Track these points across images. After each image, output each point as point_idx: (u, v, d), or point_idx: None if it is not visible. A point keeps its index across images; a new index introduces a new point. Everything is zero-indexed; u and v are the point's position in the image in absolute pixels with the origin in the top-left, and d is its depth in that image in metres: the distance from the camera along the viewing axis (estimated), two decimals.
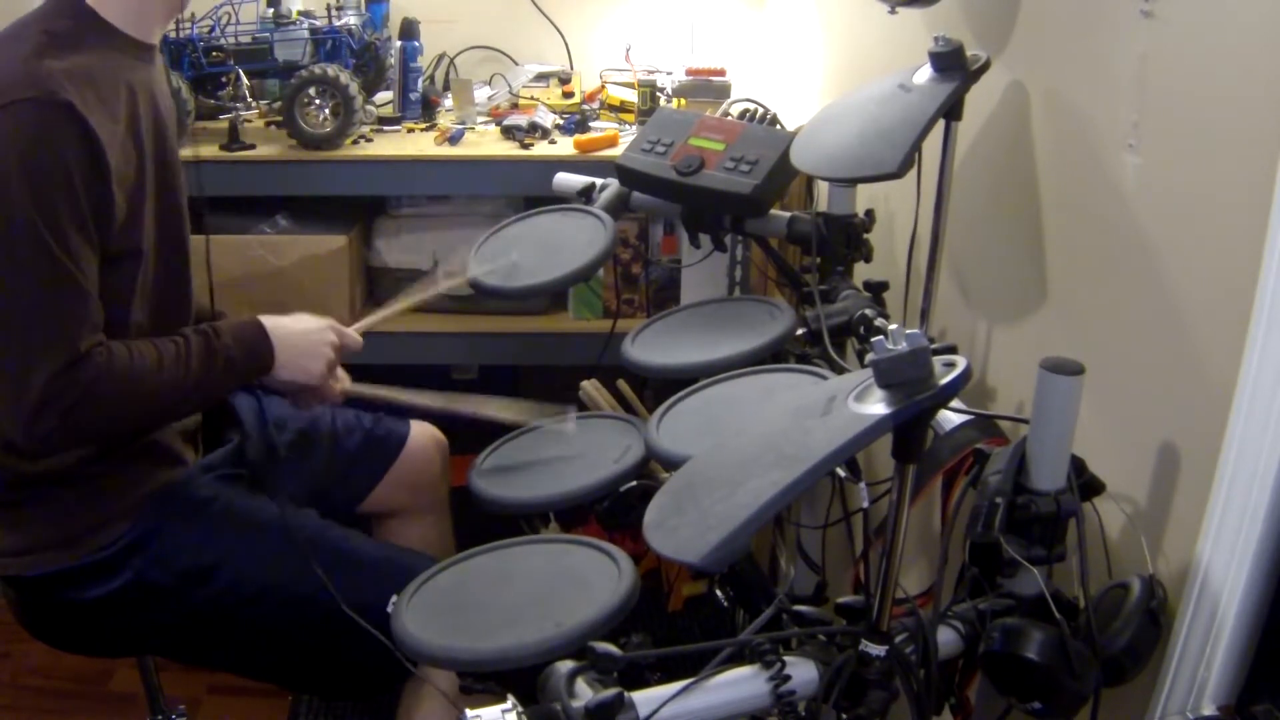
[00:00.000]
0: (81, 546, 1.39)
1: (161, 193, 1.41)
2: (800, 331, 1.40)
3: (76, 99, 1.22)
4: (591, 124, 2.24)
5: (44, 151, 1.21)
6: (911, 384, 0.81)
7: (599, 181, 1.70)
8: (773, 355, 1.35)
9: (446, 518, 1.81)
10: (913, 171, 1.23)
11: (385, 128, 2.23)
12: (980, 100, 1.28)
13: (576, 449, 1.41)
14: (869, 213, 1.55)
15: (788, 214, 1.56)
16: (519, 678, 0.93)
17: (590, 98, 2.36)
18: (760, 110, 1.72)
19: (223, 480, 1.50)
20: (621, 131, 2.18)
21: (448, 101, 2.36)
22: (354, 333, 1.54)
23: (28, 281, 1.22)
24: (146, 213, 1.36)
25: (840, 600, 0.99)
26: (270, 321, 1.43)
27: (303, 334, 1.45)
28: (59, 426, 1.24)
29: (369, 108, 2.19)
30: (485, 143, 2.16)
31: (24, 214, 1.20)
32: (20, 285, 1.23)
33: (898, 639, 0.94)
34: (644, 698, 0.87)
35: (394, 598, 1.40)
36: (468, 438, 1.61)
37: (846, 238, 1.51)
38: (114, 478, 1.41)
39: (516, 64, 2.49)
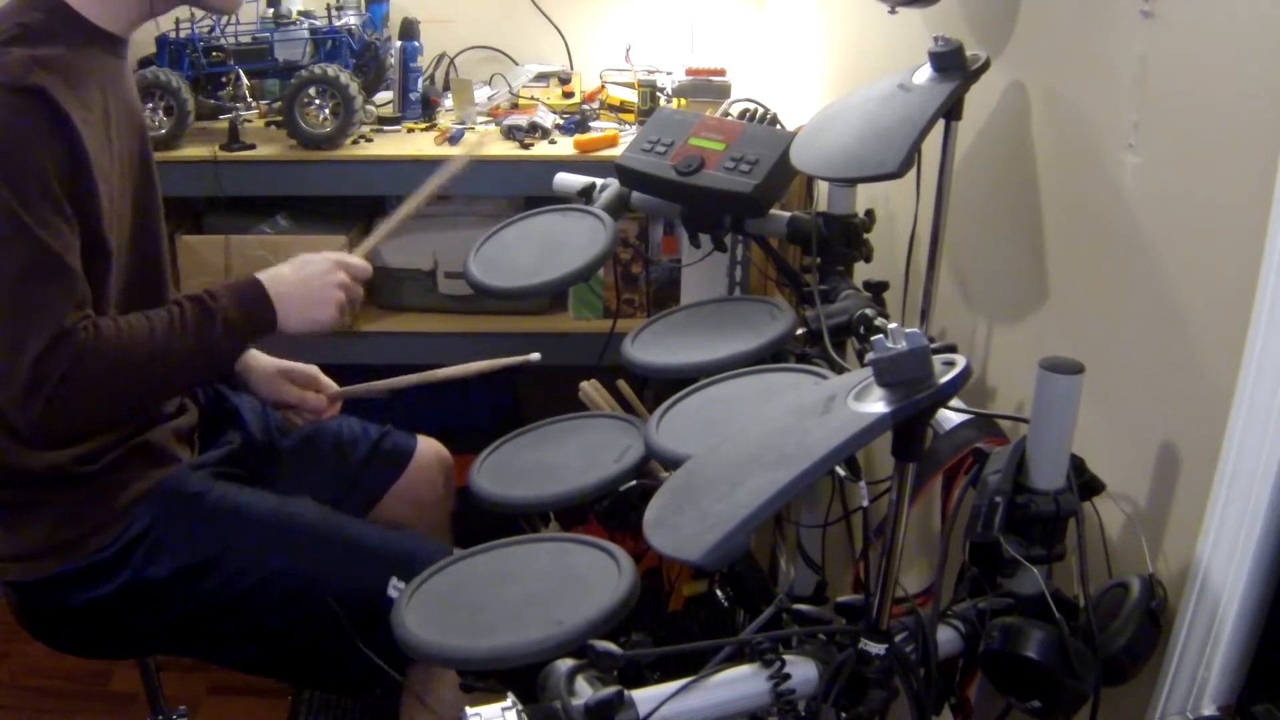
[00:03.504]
0: (79, 551, 1.39)
1: (136, 190, 1.40)
2: (800, 331, 1.40)
3: (47, 84, 1.22)
4: (591, 124, 2.24)
5: (14, 135, 1.21)
6: (911, 383, 0.81)
7: (599, 181, 1.70)
8: (773, 355, 1.35)
9: (448, 537, 1.79)
10: (912, 171, 1.23)
11: (385, 128, 2.23)
12: (980, 100, 1.28)
13: (576, 449, 1.41)
14: (869, 213, 1.55)
15: (788, 214, 1.56)
16: (519, 676, 0.93)
17: (590, 98, 2.36)
18: (760, 110, 1.72)
19: (217, 475, 1.50)
20: (621, 131, 2.18)
21: (448, 101, 2.36)
22: (361, 260, 1.49)
23: (9, 262, 1.22)
24: (119, 210, 1.36)
25: (840, 599, 0.99)
26: (269, 276, 1.40)
27: (304, 282, 1.41)
28: (51, 404, 1.23)
29: (369, 108, 2.19)
30: (485, 143, 2.15)
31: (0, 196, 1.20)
32: (2, 266, 1.22)
33: (897, 638, 0.94)
34: (644, 696, 0.87)
35: (393, 580, 1.40)
36: (468, 438, 1.61)
37: (846, 238, 1.51)
38: (109, 480, 1.40)
39: (516, 64, 2.49)
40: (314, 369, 1.63)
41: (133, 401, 1.36)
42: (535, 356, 1.46)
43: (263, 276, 1.39)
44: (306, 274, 1.42)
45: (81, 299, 1.27)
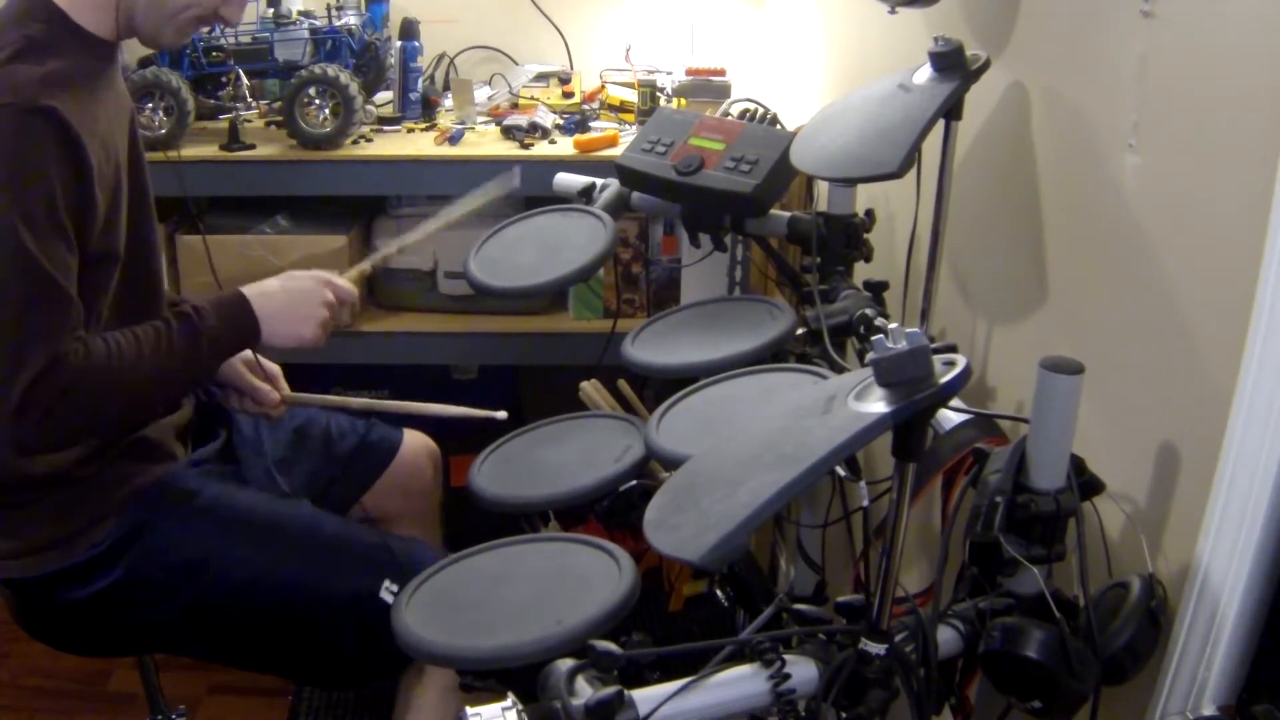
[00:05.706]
0: (75, 545, 1.39)
1: (134, 191, 1.41)
2: (800, 331, 1.40)
3: (57, 103, 1.22)
4: (591, 124, 2.24)
5: (25, 157, 1.21)
6: (911, 383, 0.81)
7: (599, 181, 1.70)
8: (773, 355, 1.35)
9: (437, 527, 1.82)
10: (913, 171, 1.23)
11: (385, 128, 2.23)
12: (980, 100, 1.28)
13: (576, 449, 1.41)
14: (869, 212, 1.55)
15: (788, 214, 1.56)
16: (519, 676, 0.93)
17: (590, 98, 2.36)
18: (760, 110, 1.72)
19: (212, 474, 1.50)
20: (621, 131, 2.18)
21: (448, 101, 2.36)
22: (348, 284, 1.51)
23: (11, 287, 1.22)
24: (122, 212, 1.36)
25: (840, 599, 0.99)
26: (255, 290, 1.41)
27: (290, 298, 1.43)
28: (41, 427, 1.23)
29: (369, 108, 2.19)
30: (485, 143, 2.16)
31: (6, 219, 1.20)
32: (3, 290, 1.22)
33: (898, 638, 0.94)
34: (644, 696, 0.87)
35: (386, 582, 1.41)
36: (468, 438, 1.62)
37: (846, 237, 1.51)
38: (106, 475, 1.41)
39: (516, 64, 2.49)
40: (276, 368, 1.63)
41: (120, 418, 1.38)
42: (501, 415, 1.49)
43: (249, 291, 1.41)
44: (292, 290, 1.44)
45: (76, 323, 1.27)
